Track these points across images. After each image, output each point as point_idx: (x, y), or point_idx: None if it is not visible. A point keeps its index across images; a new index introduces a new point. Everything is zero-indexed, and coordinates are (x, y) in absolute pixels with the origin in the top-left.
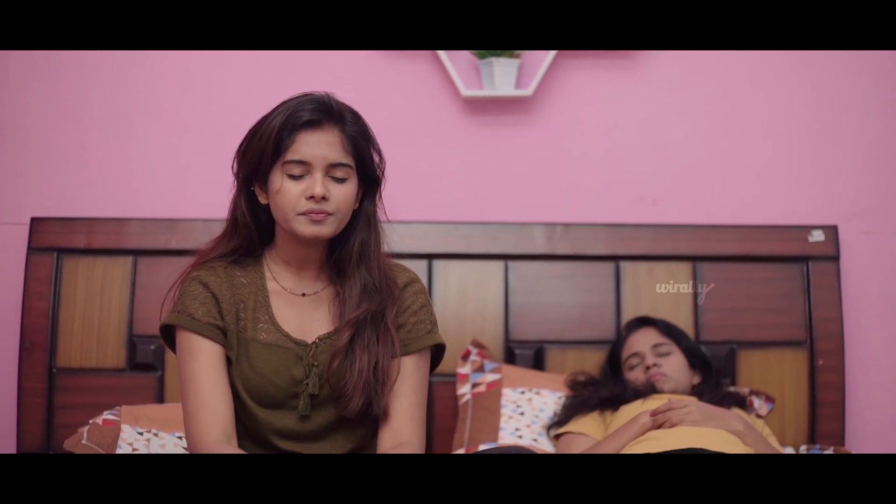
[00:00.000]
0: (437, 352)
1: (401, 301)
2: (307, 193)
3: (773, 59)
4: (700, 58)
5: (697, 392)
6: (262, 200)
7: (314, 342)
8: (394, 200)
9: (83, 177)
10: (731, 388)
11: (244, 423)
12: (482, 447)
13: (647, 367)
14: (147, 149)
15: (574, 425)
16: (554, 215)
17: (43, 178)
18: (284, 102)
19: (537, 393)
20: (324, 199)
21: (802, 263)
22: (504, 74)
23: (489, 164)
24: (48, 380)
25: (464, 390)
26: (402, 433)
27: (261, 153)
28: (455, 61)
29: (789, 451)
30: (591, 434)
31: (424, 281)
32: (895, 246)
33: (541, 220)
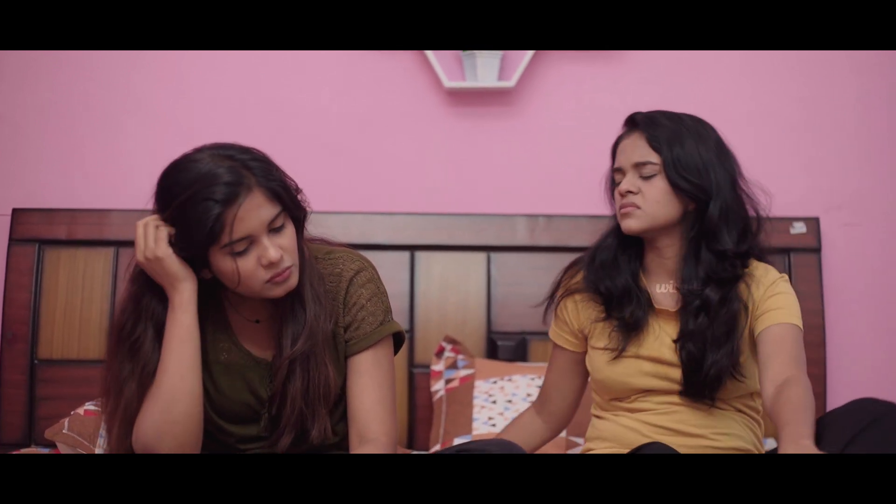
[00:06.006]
0: (397, 336)
1: (346, 298)
2: (263, 262)
3: (754, 52)
4: (682, 51)
5: (693, 247)
6: (205, 276)
7: (273, 359)
8: (376, 192)
9: (65, 168)
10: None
11: (210, 433)
12: (457, 441)
13: (622, 194)
14: (128, 140)
15: (554, 331)
16: (536, 207)
17: (24, 169)
18: (182, 184)
19: (509, 380)
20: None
21: (784, 255)
22: (486, 66)
23: (472, 156)
24: (30, 371)
25: (437, 387)
26: (367, 432)
27: (192, 246)
28: (438, 53)
29: (769, 442)
30: (567, 346)
31: (406, 272)
32: (876, 237)
33: (523, 211)
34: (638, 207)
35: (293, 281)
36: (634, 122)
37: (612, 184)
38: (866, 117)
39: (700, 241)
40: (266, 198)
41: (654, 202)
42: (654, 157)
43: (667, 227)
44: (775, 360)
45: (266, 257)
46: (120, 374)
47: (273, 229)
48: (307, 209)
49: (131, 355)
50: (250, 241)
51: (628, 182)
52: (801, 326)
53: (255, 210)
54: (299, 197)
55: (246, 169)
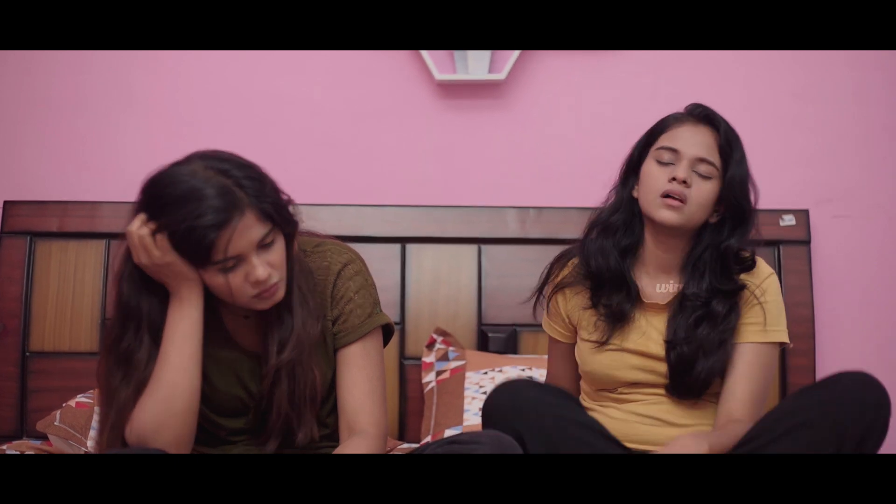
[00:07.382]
0: (386, 328)
1: (334, 291)
2: (250, 279)
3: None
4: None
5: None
6: None
7: (262, 353)
8: (367, 185)
9: (56, 160)
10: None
11: (202, 425)
12: (448, 432)
13: (673, 179)
14: (120, 132)
15: (547, 323)
16: (527, 199)
17: (15, 161)
18: (172, 198)
19: (500, 371)
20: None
21: (773, 247)
22: (477, 58)
23: (462, 148)
24: (21, 364)
25: (429, 378)
26: (356, 424)
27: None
28: None
29: None
30: (560, 338)
31: (397, 265)
32: (865, 230)
33: (514, 203)
34: (684, 203)
35: (279, 295)
36: (706, 118)
37: (633, 162)
38: (857, 110)
39: (713, 251)
40: (257, 218)
41: (698, 205)
42: (718, 162)
43: (688, 230)
44: (739, 391)
45: (254, 275)
46: (111, 382)
47: (262, 246)
48: (298, 222)
49: (123, 362)
50: (239, 258)
51: (685, 171)
52: (785, 339)
53: (247, 231)
54: (290, 209)
55: (239, 188)
